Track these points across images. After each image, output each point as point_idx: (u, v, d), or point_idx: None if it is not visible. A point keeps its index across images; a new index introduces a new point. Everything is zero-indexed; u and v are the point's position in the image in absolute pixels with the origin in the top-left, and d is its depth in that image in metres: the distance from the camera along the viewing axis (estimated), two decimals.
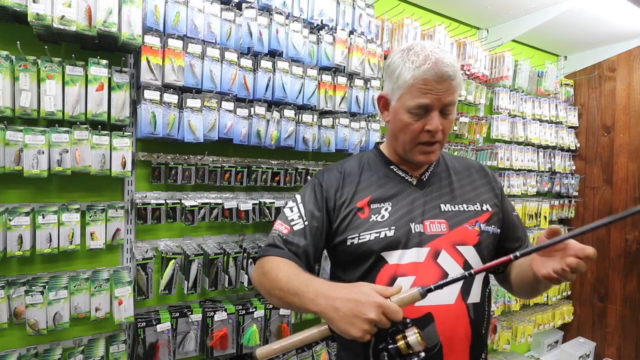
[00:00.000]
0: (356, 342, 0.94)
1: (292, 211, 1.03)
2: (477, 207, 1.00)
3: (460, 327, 0.89)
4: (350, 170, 1.06)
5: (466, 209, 0.99)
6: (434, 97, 0.90)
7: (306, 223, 0.99)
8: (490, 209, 1.01)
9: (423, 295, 0.75)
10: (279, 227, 1.01)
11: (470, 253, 0.94)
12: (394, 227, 0.93)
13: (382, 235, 0.93)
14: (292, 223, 1.00)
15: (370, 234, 0.94)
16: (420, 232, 0.93)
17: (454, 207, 0.98)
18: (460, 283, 0.91)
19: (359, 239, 0.94)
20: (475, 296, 0.92)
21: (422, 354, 0.74)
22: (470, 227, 0.96)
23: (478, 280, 0.94)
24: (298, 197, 1.06)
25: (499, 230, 1.02)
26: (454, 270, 0.91)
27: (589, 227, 0.73)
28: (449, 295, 0.89)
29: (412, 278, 0.89)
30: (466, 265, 0.92)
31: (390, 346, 0.75)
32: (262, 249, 1.00)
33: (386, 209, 0.96)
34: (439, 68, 0.88)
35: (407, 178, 1.03)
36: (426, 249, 0.92)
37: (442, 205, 0.98)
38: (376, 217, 0.95)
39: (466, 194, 1.02)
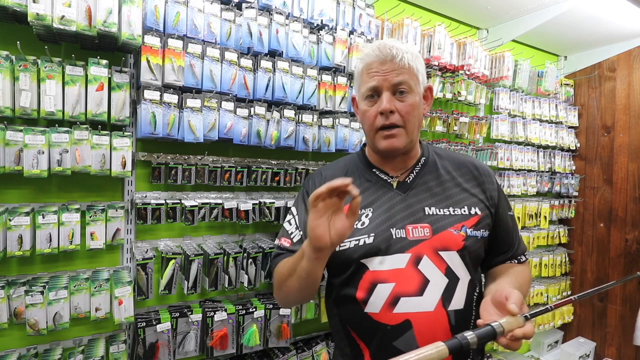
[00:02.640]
0: (349, 347, 0.96)
1: (290, 224, 1.04)
2: (464, 211, 0.96)
3: (439, 334, 0.87)
4: (333, 175, 1.04)
5: (452, 213, 0.95)
6: (380, 77, 0.93)
7: (302, 233, 1.00)
8: (479, 212, 0.97)
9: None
10: (282, 242, 1.03)
11: (453, 258, 0.91)
12: (373, 234, 0.92)
13: (361, 242, 0.92)
14: (291, 236, 1.01)
15: (350, 241, 0.93)
16: (402, 238, 0.91)
17: (439, 211, 0.95)
18: (442, 289, 0.89)
19: (339, 246, 0.93)
20: (458, 303, 0.90)
21: None
22: (455, 232, 0.93)
23: (462, 285, 0.91)
24: (293, 209, 1.06)
25: (487, 234, 0.98)
26: (435, 276, 0.89)
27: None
28: (428, 302, 0.87)
29: (392, 285, 0.88)
30: (448, 271, 0.90)
31: None
32: (270, 265, 1.04)
33: (367, 215, 0.95)
34: (380, 50, 0.93)
35: (389, 180, 1.00)
36: (407, 255, 0.90)
37: (427, 209, 0.95)
38: (356, 224, 0.94)
39: (454, 197, 0.98)
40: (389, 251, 0.90)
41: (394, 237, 0.91)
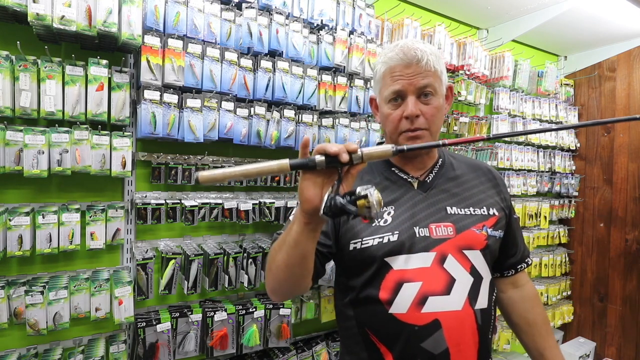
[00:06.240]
0: (365, 351, 0.94)
1: (294, 216, 1.02)
2: (483, 211, 0.97)
3: (467, 333, 0.88)
4: None
5: (473, 213, 0.96)
6: (404, 81, 0.92)
7: None
8: (496, 213, 0.99)
9: (395, 153, 0.74)
10: (283, 230, 1.00)
11: (477, 258, 0.92)
12: (397, 232, 0.91)
13: (385, 240, 0.91)
14: None
15: (374, 239, 0.92)
16: (426, 236, 0.91)
17: (461, 210, 0.96)
18: (468, 287, 0.89)
19: (361, 244, 0.92)
20: (482, 302, 0.91)
21: (377, 211, 0.67)
22: (477, 231, 0.94)
23: (485, 284, 0.92)
24: None
25: (502, 235, 1.01)
26: (461, 275, 0.89)
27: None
28: (456, 301, 0.87)
29: (419, 284, 0.87)
30: (473, 270, 0.91)
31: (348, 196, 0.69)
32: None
33: (389, 213, 0.94)
34: (404, 53, 0.91)
35: (409, 180, 1.00)
36: (432, 253, 0.89)
37: (448, 208, 0.95)
38: (379, 222, 0.93)
39: (473, 197, 0.99)
40: (413, 250, 0.90)
41: (418, 235, 0.91)
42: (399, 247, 0.90)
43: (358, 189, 0.68)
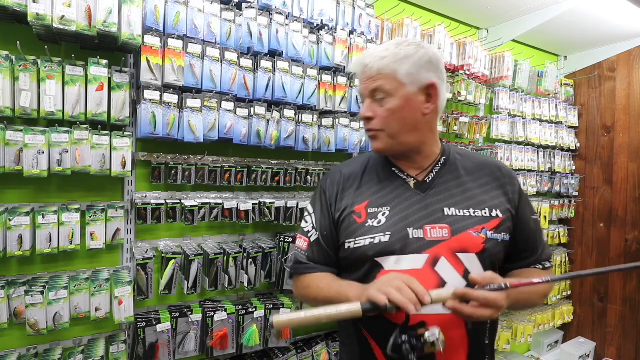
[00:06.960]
0: (357, 345, 0.96)
1: (307, 222, 1.05)
2: (485, 213, 0.94)
3: (455, 337, 0.87)
4: (352, 173, 1.04)
5: (473, 214, 0.93)
6: (362, 86, 0.99)
7: (318, 233, 1.02)
8: (501, 214, 0.95)
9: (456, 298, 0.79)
10: (299, 242, 1.05)
11: (471, 261, 0.90)
12: (389, 233, 0.91)
13: (377, 240, 0.91)
14: (309, 235, 1.03)
15: (365, 239, 0.92)
16: (420, 238, 0.90)
17: (459, 212, 0.93)
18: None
19: (354, 243, 0.94)
20: None
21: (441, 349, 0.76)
22: (475, 234, 0.91)
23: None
24: (310, 207, 1.07)
25: (509, 237, 0.96)
26: (453, 278, 0.88)
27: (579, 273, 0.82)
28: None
29: None
30: (466, 274, 0.89)
31: (413, 339, 0.76)
32: (292, 267, 1.06)
33: (383, 214, 0.94)
34: (359, 62, 0.99)
35: (407, 180, 0.99)
36: (425, 255, 0.89)
37: (446, 209, 0.93)
38: (372, 222, 0.94)
39: (475, 197, 0.96)
40: (406, 251, 0.89)
41: (411, 236, 0.90)
42: (390, 247, 0.90)
43: (426, 335, 0.75)
